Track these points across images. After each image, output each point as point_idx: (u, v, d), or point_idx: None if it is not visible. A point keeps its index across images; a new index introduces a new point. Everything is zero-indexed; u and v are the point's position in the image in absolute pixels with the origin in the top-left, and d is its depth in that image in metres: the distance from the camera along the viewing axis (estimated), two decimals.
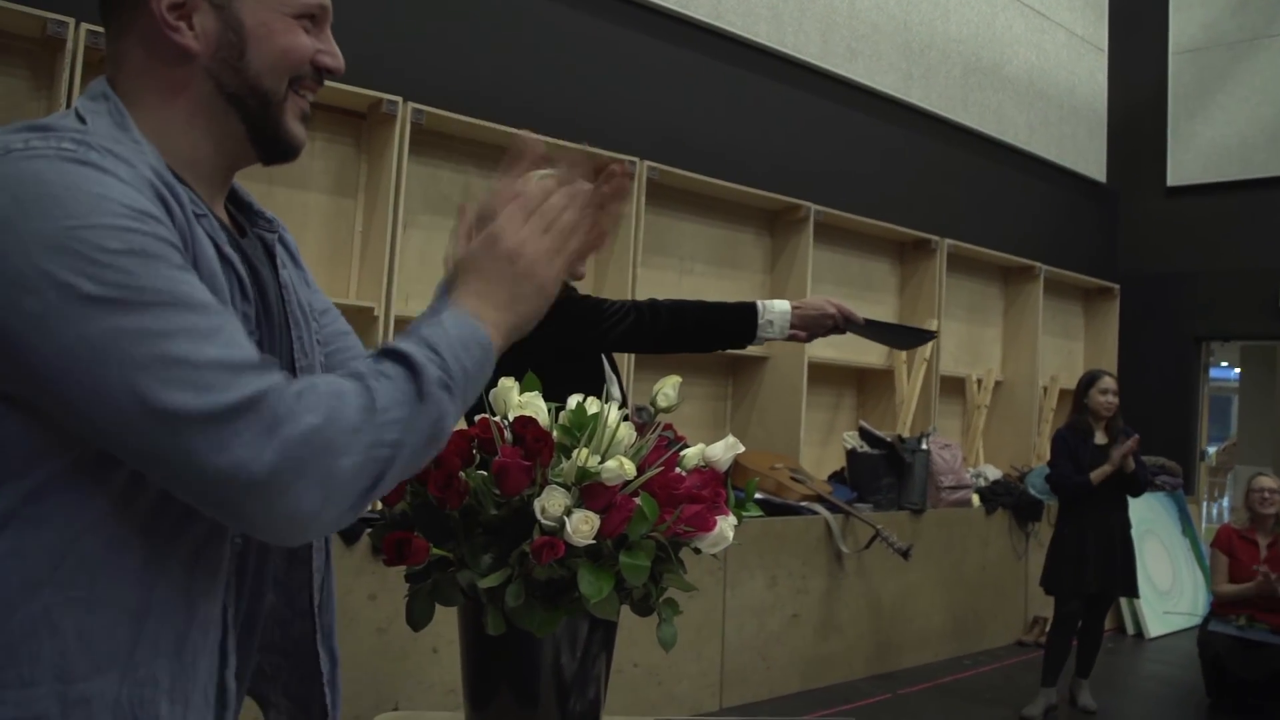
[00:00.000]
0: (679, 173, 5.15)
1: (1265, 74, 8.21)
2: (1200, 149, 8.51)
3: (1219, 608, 5.28)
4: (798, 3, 6.04)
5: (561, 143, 4.69)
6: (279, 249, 1.24)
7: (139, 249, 0.91)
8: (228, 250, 1.07)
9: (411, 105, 4.20)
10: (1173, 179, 8.63)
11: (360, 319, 4.10)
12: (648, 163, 4.97)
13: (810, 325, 2.47)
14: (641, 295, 4.92)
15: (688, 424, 5.23)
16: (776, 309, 2.44)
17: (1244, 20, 8.36)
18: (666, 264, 5.39)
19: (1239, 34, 8.37)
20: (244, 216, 1.23)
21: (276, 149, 1.16)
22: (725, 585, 4.69)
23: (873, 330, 2.65)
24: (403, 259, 4.24)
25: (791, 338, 2.49)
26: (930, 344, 6.32)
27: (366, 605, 3.60)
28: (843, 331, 2.52)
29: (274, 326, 1.17)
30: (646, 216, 4.99)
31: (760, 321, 2.42)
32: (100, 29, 3.29)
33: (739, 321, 2.47)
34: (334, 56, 1.18)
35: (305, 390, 0.94)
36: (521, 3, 4.84)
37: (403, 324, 4.19)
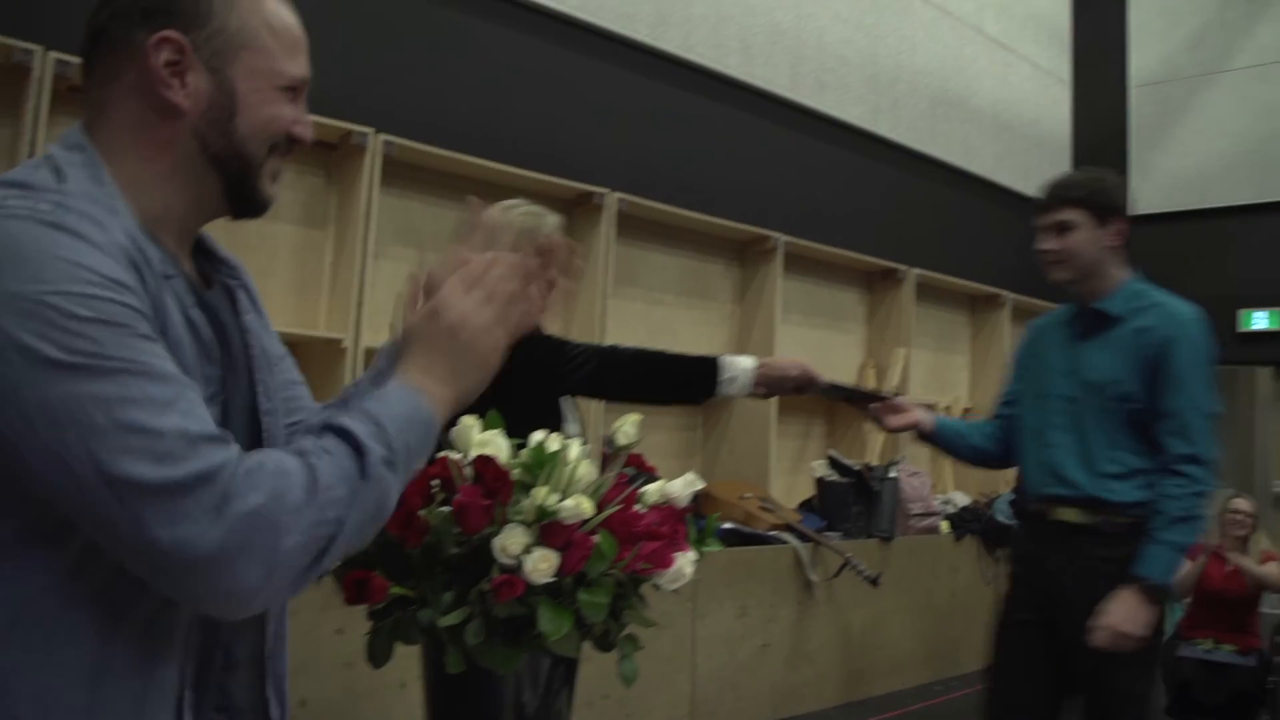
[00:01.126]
0: (649, 204, 5.18)
1: (1220, 107, 8.37)
2: (1160, 179, 8.65)
3: (1187, 631, 5.32)
4: (767, 35, 6.12)
5: (532, 174, 4.73)
6: (241, 295, 1.26)
7: (107, 317, 0.93)
8: (193, 313, 1.09)
9: (383, 137, 4.22)
10: (1134, 208, 8.73)
11: (329, 351, 4.10)
12: (618, 194, 5.01)
13: (773, 384, 2.53)
14: (611, 326, 4.96)
15: (658, 454, 5.25)
16: (740, 366, 2.48)
17: (1199, 56, 8.52)
18: (636, 295, 5.42)
19: (1195, 69, 8.53)
20: (209, 264, 1.24)
21: (249, 207, 1.19)
22: (695, 615, 4.70)
23: (834, 392, 2.76)
24: (372, 291, 4.25)
25: (752, 395, 2.54)
26: (900, 369, 6.41)
27: (332, 640, 3.58)
28: (804, 392, 2.59)
29: (238, 375, 1.19)
30: (616, 248, 5.02)
31: (722, 378, 2.46)
32: (68, 58, 3.31)
33: (701, 377, 2.51)
34: (307, 128, 1.22)
35: (254, 469, 0.95)
36: (493, 35, 4.88)
37: (372, 356, 4.20)
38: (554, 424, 2.36)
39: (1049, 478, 2.64)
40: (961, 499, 6.82)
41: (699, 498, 5.19)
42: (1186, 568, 5.13)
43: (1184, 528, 2.46)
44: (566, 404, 2.55)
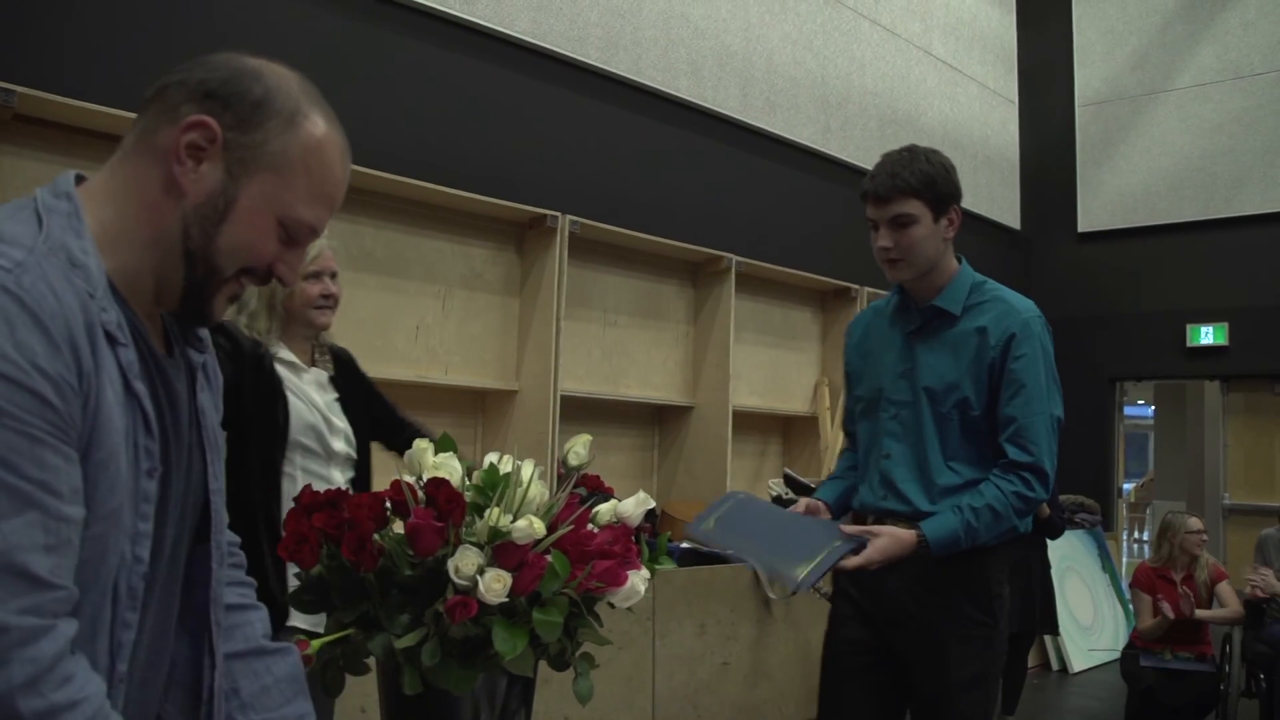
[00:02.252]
0: (601, 226, 5.21)
1: (1164, 126, 8.56)
2: (1108, 197, 8.82)
3: (1142, 643, 5.40)
4: (716, 58, 6.18)
5: (483, 198, 4.75)
6: (199, 372, 1.26)
7: (10, 412, 0.94)
8: (137, 384, 1.09)
9: None
10: (1083, 225, 8.92)
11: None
12: (570, 216, 5.03)
13: None
14: (565, 348, 4.97)
15: (614, 474, 5.26)
16: None
17: (1143, 76, 8.71)
18: (590, 316, 5.44)
19: (1139, 89, 8.72)
20: (179, 330, 1.24)
21: (194, 315, 1.20)
22: (655, 634, 4.71)
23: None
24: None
25: None
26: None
27: None
28: None
29: (184, 450, 1.19)
30: (569, 270, 5.04)
31: None
32: (11, 86, 3.29)
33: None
34: (292, 272, 1.21)
35: (73, 675, 0.98)
36: (441, 59, 4.89)
37: None
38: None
39: (884, 490, 2.42)
40: None
41: (657, 518, 5.21)
42: (1155, 620, 5.27)
43: (990, 521, 2.29)
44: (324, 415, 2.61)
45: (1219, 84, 8.35)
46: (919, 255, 2.36)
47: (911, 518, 2.32)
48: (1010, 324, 2.35)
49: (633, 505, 1.73)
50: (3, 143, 3.57)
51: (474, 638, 1.52)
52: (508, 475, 1.56)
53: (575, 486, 1.85)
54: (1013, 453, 2.33)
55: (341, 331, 4.45)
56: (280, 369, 2.52)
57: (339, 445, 2.59)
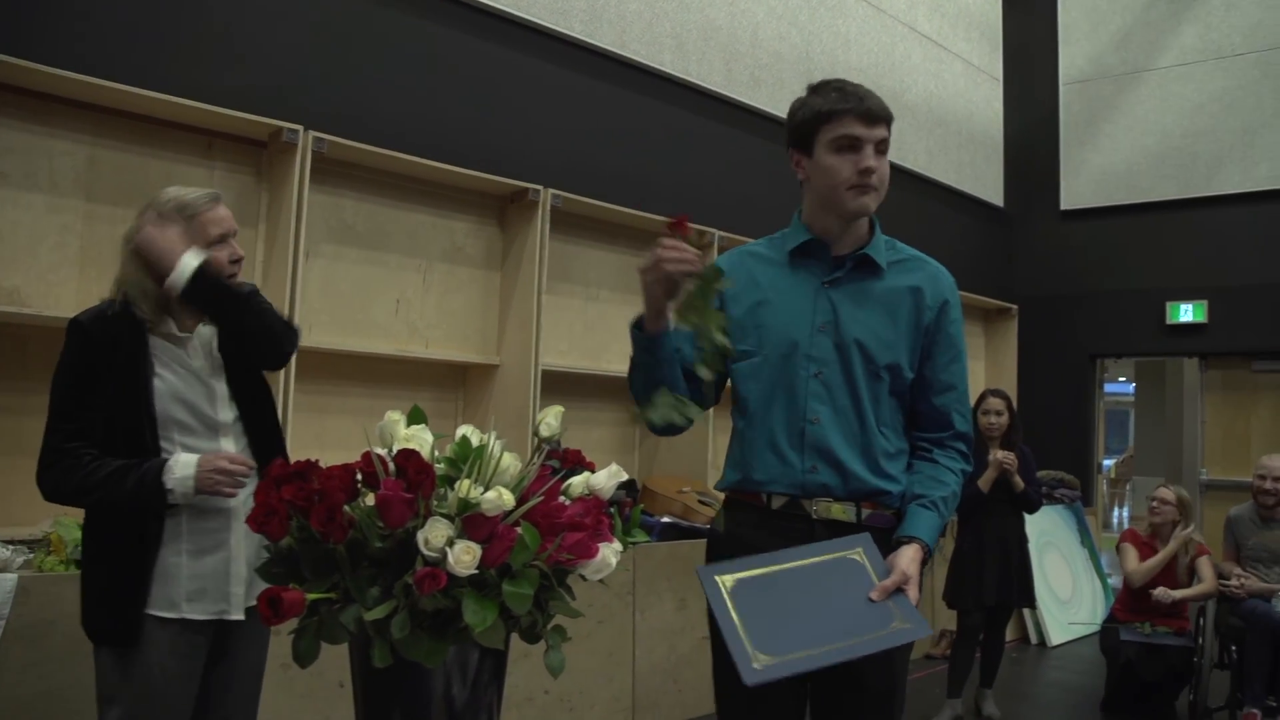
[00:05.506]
0: (584, 200, 5.19)
1: (1146, 105, 8.57)
2: (1090, 175, 8.83)
3: (1122, 616, 5.46)
4: (701, 32, 6.15)
5: (465, 171, 4.72)
6: None
7: None
8: None
9: (313, 134, 4.19)
10: (1065, 203, 8.94)
11: None
12: (552, 190, 5.01)
13: None
14: (547, 322, 4.96)
15: (597, 449, 5.28)
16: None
17: (1126, 55, 8.72)
18: (573, 291, 5.43)
19: (1122, 67, 8.72)
20: None
21: None
22: (635, 609, 4.73)
23: None
24: (304, 289, 4.22)
25: None
26: None
27: (270, 641, 3.56)
28: None
29: None
30: (551, 244, 5.02)
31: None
32: None
33: None
34: None
35: None
36: (426, 31, 4.86)
37: (305, 355, 4.17)
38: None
39: (814, 460, 2.12)
40: None
41: (638, 492, 5.23)
42: (1155, 559, 5.33)
43: (954, 505, 2.17)
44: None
45: (1200, 64, 8.36)
46: (885, 188, 2.19)
47: (844, 496, 2.12)
48: (943, 287, 2.24)
49: (605, 478, 1.74)
50: None
51: (444, 610, 1.53)
52: (480, 448, 1.56)
53: (557, 461, 1.85)
54: (958, 422, 2.23)
55: (321, 305, 4.46)
56: (158, 343, 2.34)
57: (226, 414, 2.39)
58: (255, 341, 2.41)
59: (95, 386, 2.27)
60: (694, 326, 1.95)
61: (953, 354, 2.22)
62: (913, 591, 1.98)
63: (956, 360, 2.22)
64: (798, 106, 2.21)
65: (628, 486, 5.18)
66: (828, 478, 2.11)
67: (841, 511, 2.11)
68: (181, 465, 2.19)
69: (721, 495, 2.28)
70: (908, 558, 2.02)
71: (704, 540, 2.31)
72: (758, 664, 1.80)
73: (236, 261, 2.43)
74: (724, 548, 2.18)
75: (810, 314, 2.16)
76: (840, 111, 2.12)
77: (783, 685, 1.96)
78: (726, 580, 1.97)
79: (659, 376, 2.07)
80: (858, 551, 2.05)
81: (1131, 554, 5.48)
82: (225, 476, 2.20)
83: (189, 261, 2.26)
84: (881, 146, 2.16)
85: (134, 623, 2.21)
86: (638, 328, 2.07)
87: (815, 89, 2.20)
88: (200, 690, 2.33)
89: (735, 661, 1.82)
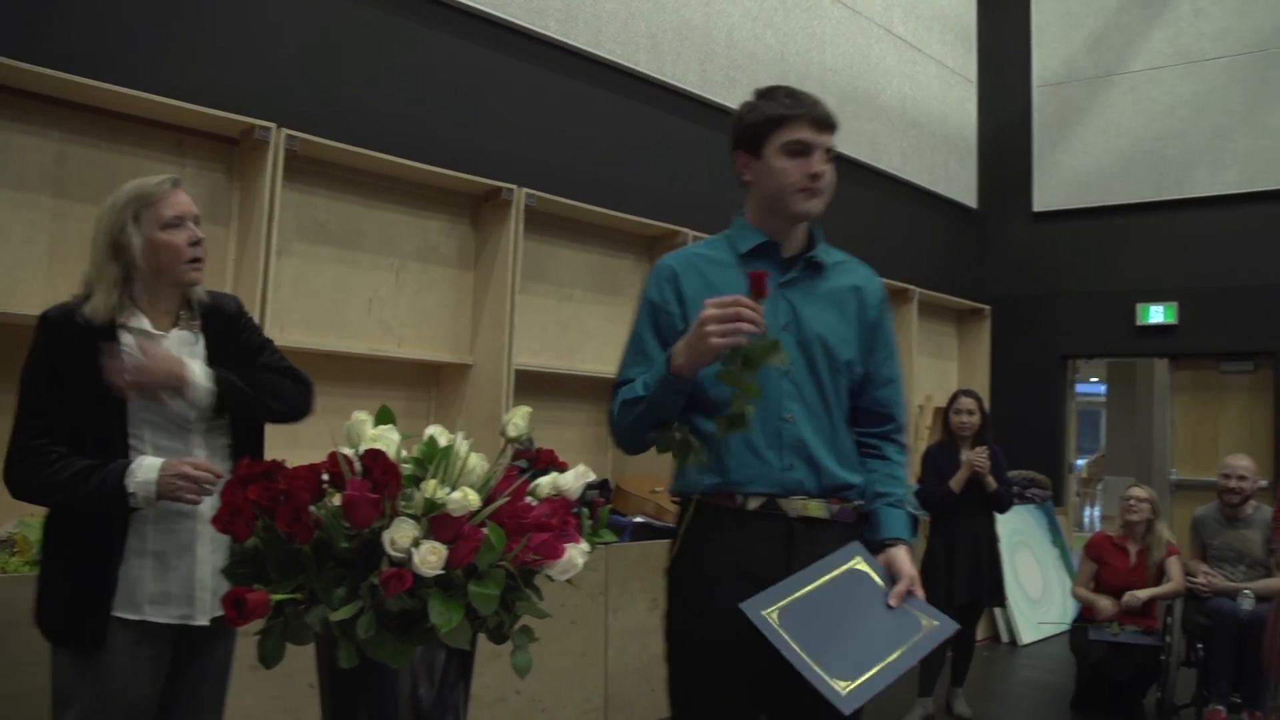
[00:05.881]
0: (558, 200, 5.19)
1: (1118, 108, 8.65)
2: (1063, 177, 8.90)
3: (1091, 616, 5.51)
4: (676, 32, 6.16)
5: (439, 170, 4.71)
6: None
7: None
8: None
9: (285, 132, 4.17)
10: (1038, 205, 9.00)
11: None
12: (526, 190, 5.00)
13: None
14: (520, 322, 4.95)
15: (570, 449, 5.27)
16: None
17: (1098, 58, 8.79)
18: (546, 291, 5.43)
19: (1094, 70, 8.79)
20: None
21: None
22: (607, 609, 4.73)
23: None
24: (276, 288, 4.20)
25: None
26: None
27: (239, 643, 3.54)
28: None
29: None
30: (525, 244, 5.02)
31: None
32: None
33: None
34: None
35: None
36: (400, 29, 4.85)
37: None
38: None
39: (791, 458, 2.14)
40: None
41: (611, 492, 5.23)
42: (1100, 602, 5.43)
43: (909, 499, 2.26)
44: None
45: (1171, 68, 8.44)
46: (829, 193, 2.24)
47: (817, 492, 2.15)
48: (878, 285, 2.35)
49: (572, 478, 1.74)
50: None
51: (410, 611, 1.52)
52: (446, 448, 1.56)
53: (531, 462, 1.85)
54: (900, 415, 2.32)
55: (294, 304, 4.43)
56: (130, 339, 2.28)
57: (197, 413, 2.32)
58: (281, 419, 2.48)
59: (64, 383, 2.23)
60: (731, 383, 1.95)
61: (890, 349, 2.32)
62: (919, 590, 2.09)
63: (893, 355, 2.32)
64: (747, 110, 2.25)
65: (600, 486, 5.18)
66: (803, 475, 2.14)
67: (817, 508, 2.14)
68: (144, 469, 2.15)
69: (675, 500, 2.27)
70: (906, 560, 2.13)
71: None
72: (845, 691, 1.89)
73: (196, 244, 2.35)
74: (705, 553, 2.14)
75: (772, 314, 2.14)
76: (793, 117, 2.17)
77: (741, 700, 2.09)
78: (772, 614, 1.98)
79: (668, 416, 2.09)
80: (858, 560, 2.11)
81: (1087, 571, 5.56)
82: (188, 482, 2.14)
83: (201, 381, 2.25)
84: (829, 153, 2.21)
85: (94, 623, 2.17)
86: (666, 367, 2.03)
87: (765, 94, 2.25)
88: (164, 697, 2.30)
89: (822, 693, 1.89)
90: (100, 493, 2.14)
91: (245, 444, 2.42)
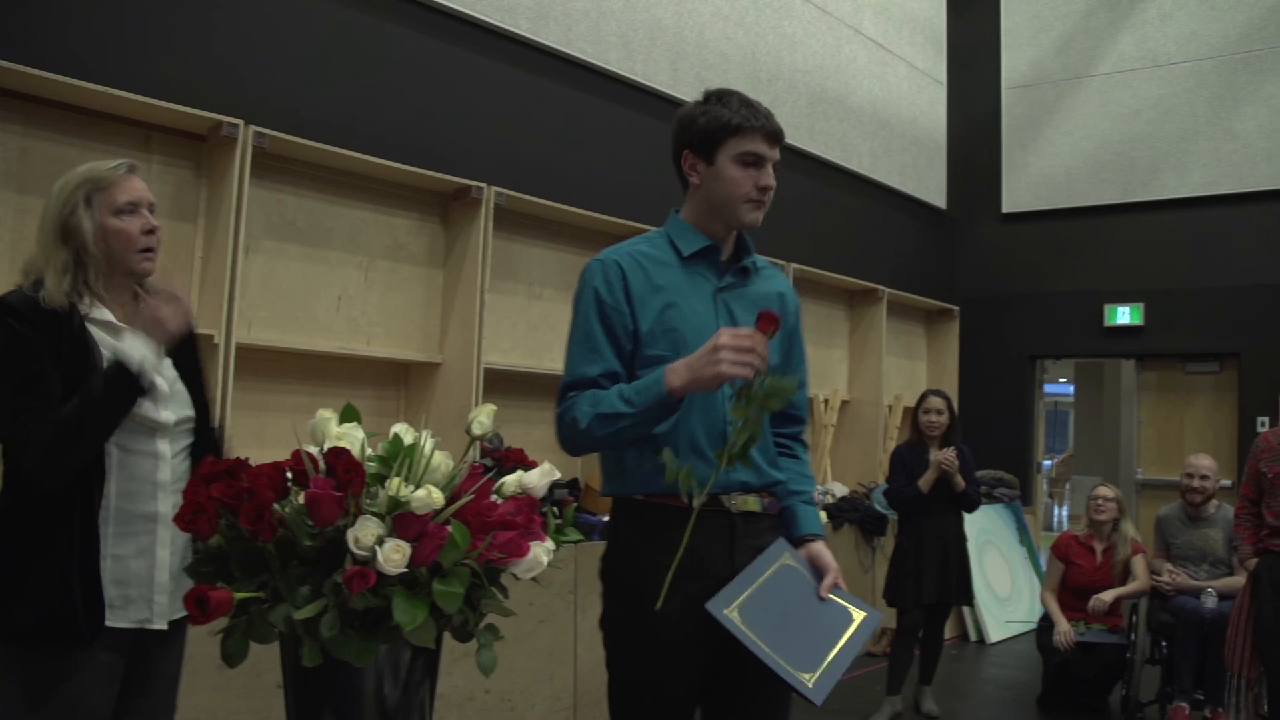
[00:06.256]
0: (527, 198, 5.18)
1: (1086, 110, 8.73)
2: (1031, 178, 8.97)
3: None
4: (647, 32, 6.17)
5: (409, 168, 4.70)
6: None
7: None
8: None
9: (253, 129, 4.14)
10: (1007, 206, 9.07)
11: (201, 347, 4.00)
12: (495, 188, 5.00)
13: None
14: (490, 320, 4.95)
15: (539, 448, 5.26)
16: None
17: (1067, 60, 8.87)
18: (515, 289, 5.42)
19: (1063, 73, 8.87)
20: None
21: None
22: (577, 608, 4.73)
23: None
24: (244, 285, 4.17)
25: None
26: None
27: (205, 640, 3.52)
28: None
29: None
30: (494, 242, 5.01)
31: None
32: None
33: None
34: None
35: None
36: (370, 27, 4.83)
37: (244, 352, 4.12)
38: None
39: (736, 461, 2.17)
40: (840, 489, 6.98)
41: (581, 490, 5.23)
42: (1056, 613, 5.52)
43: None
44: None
45: (1138, 71, 8.53)
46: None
47: (755, 489, 2.22)
48: (792, 291, 2.42)
49: (537, 476, 1.74)
50: None
51: (375, 609, 1.52)
52: (410, 446, 1.56)
53: (500, 460, 1.85)
54: (805, 415, 2.44)
55: (262, 301, 4.41)
56: (95, 332, 2.15)
57: (167, 414, 2.20)
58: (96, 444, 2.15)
59: (36, 369, 2.06)
60: (741, 417, 1.98)
61: (802, 354, 2.41)
62: (842, 582, 2.22)
63: (804, 360, 2.41)
64: (699, 112, 2.25)
65: (569, 485, 5.18)
66: (744, 474, 2.17)
67: (754, 503, 2.20)
68: (130, 347, 2.05)
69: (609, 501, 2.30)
70: (829, 553, 2.24)
71: None
72: (811, 683, 1.96)
73: (150, 232, 2.23)
74: (649, 553, 2.12)
75: (713, 317, 2.20)
76: (750, 128, 2.20)
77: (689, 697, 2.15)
78: (734, 613, 2.01)
79: (649, 431, 2.09)
80: (787, 556, 2.19)
81: (1055, 573, 5.63)
82: (170, 308, 2.10)
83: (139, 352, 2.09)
84: (776, 166, 2.26)
85: (51, 625, 2.05)
86: (659, 388, 2.02)
87: (717, 98, 2.25)
88: (116, 704, 2.21)
89: (793, 687, 1.96)
90: (111, 391, 2.02)
91: (204, 446, 2.31)
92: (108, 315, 2.19)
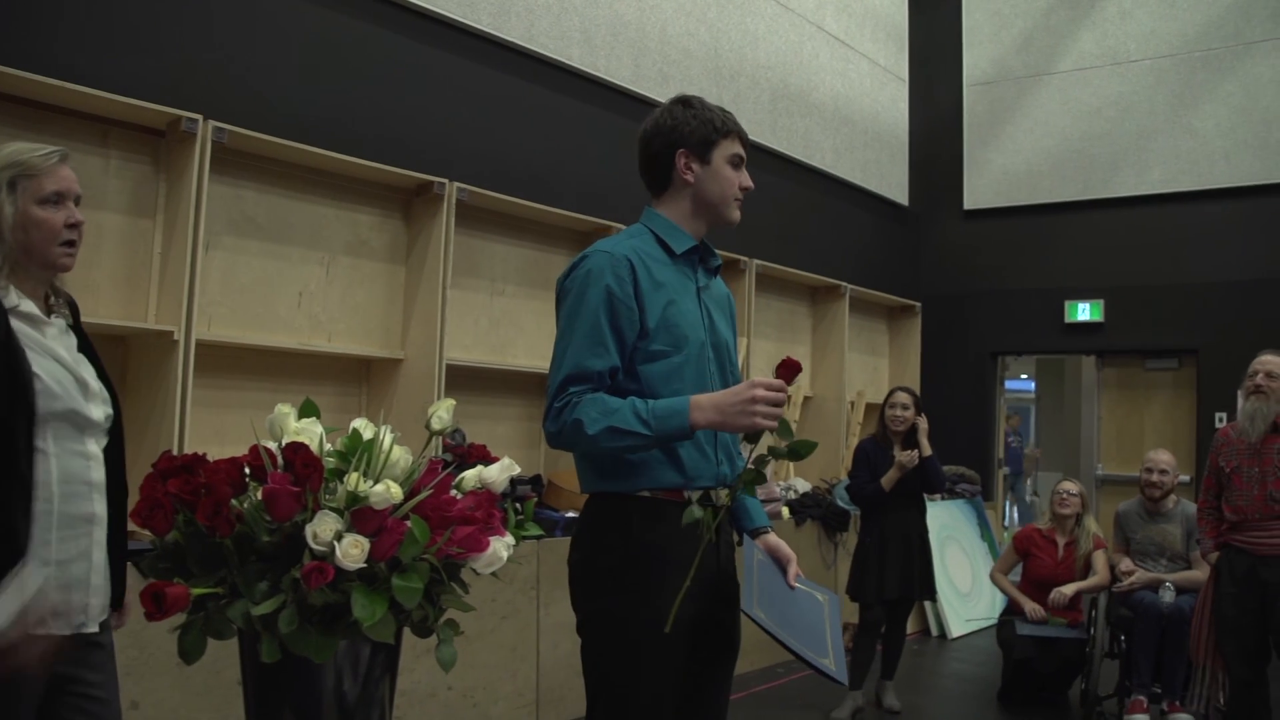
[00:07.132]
0: (489, 194, 5.17)
1: (1047, 108, 8.81)
2: (993, 175, 9.05)
3: (1018, 608, 5.60)
4: (610, 27, 6.16)
5: (370, 164, 4.67)
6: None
7: None
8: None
9: (212, 124, 4.10)
10: (969, 203, 9.14)
11: (160, 343, 3.97)
12: (458, 184, 4.98)
13: None
14: (451, 316, 4.93)
15: (502, 444, 5.25)
16: None
17: (1028, 58, 8.95)
18: (478, 285, 5.40)
19: (1024, 70, 8.95)
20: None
21: None
22: (539, 604, 4.72)
23: None
24: (204, 282, 4.13)
25: None
26: (742, 358, 6.53)
27: (164, 639, 3.48)
28: None
29: None
30: (456, 238, 4.99)
31: None
32: None
33: None
34: None
35: None
36: (330, 21, 4.79)
37: (204, 348, 4.08)
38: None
39: (723, 455, 2.30)
40: (803, 485, 7.00)
41: (544, 487, 5.22)
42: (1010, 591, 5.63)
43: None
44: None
45: (1098, 69, 8.62)
46: None
47: (730, 483, 2.26)
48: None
49: (497, 471, 1.74)
50: None
51: (334, 605, 1.51)
52: (369, 441, 1.55)
53: (462, 457, 1.84)
54: None
55: (222, 297, 4.37)
56: (19, 324, 1.98)
57: (96, 411, 2.06)
58: None
59: None
60: (760, 458, 2.09)
61: (734, 353, 2.47)
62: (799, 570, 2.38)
63: (735, 357, 2.46)
64: (689, 115, 2.34)
65: (532, 482, 5.17)
66: (727, 468, 2.29)
67: (727, 496, 2.24)
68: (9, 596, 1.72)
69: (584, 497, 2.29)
70: (785, 543, 2.38)
71: None
72: (834, 666, 2.13)
73: (74, 226, 2.10)
74: (655, 547, 2.15)
75: (700, 316, 2.30)
76: (735, 131, 2.35)
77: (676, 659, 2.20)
78: (760, 613, 2.12)
79: (646, 454, 2.16)
80: (757, 551, 2.31)
81: (1008, 559, 5.73)
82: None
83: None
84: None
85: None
86: (681, 421, 2.07)
87: (698, 104, 2.36)
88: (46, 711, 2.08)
89: (825, 674, 2.14)
90: None
91: (115, 453, 2.10)
92: (32, 307, 2.05)
